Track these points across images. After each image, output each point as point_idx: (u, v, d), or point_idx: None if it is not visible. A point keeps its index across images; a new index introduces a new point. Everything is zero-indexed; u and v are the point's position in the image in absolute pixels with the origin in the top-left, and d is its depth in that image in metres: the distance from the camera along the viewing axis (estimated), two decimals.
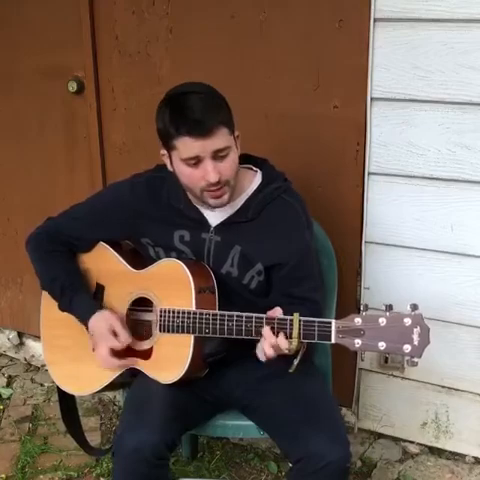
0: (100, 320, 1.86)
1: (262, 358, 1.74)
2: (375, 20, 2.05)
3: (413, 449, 2.46)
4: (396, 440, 2.49)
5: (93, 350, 1.92)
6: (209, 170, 1.69)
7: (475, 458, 2.40)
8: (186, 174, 1.74)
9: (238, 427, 1.98)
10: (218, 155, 1.70)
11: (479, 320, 2.22)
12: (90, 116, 2.62)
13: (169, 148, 1.74)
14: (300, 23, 2.16)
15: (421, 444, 2.46)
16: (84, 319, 1.89)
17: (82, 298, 1.91)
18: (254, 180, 1.86)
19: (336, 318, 1.61)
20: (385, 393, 2.45)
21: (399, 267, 2.27)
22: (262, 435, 1.92)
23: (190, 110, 1.68)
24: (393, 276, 2.29)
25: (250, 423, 1.93)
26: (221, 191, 1.75)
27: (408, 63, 2.05)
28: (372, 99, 2.13)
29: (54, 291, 1.95)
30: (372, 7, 2.03)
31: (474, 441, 2.38)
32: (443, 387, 2.36)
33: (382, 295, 2.30)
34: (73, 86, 2.60)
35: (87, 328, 1.89)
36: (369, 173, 2.21)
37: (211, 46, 2.32)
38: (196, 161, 1.70)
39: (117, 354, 1.86)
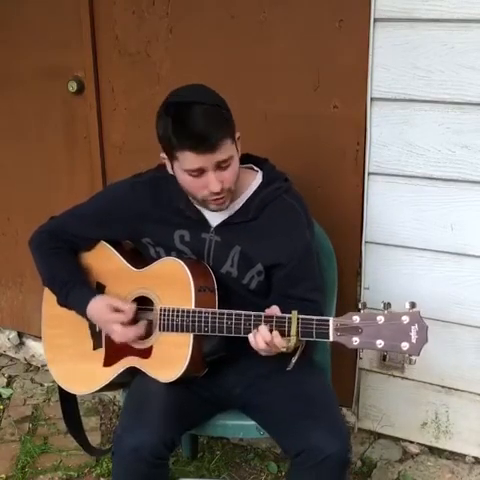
0: (97, 304, 1.85)
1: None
2: (375, 20, 2.05)
3: (413, 449, 2.46)
4: (396, 440, 2.49)
5: (94, 349, 1.92)
6: (212, 181, 1.70)
7: (475, 458, 2.40)
8: (187, 182, 1.74)
9: (238, 427, 1.98)
10: (221, 165, 1.70)
11: (479, 320, 2.22)
12: (90, 116, 2.62)
13: (170, 156, 1.73)
14: (300, 23, 2.16)
15: (421, 444, 2.46)
16: (82, 309, 1.87)
17: (79, 290, 1.90)
18: (254, 180, 1.86)
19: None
20: (385, 393, 2.45)
21: (399, 267, 2.27)
22: (262, 435, 1.92)
23: (193, 124, 1.65)
24: (393, 276, 2.28)
25: (250, 423, 1.93)
26: (223, 199, 1.76)
27: (408, 63, 2.05)
28: (372, 99, 2.13)
29: (54, 287, 1.95)
30: (372, 7, 2.03)
31: (474, 441, 2.37)
32: (443, 387, 2.35)
33: (382, 295, 2.28)
34: (73, 86, 2.60)
35: (87, 319, 1.88)
36: (369, 173, 2.21)
37: (211, 46, 2.32)
38: (198, 173, 1.70)
39: (119, 349, 1.85)
